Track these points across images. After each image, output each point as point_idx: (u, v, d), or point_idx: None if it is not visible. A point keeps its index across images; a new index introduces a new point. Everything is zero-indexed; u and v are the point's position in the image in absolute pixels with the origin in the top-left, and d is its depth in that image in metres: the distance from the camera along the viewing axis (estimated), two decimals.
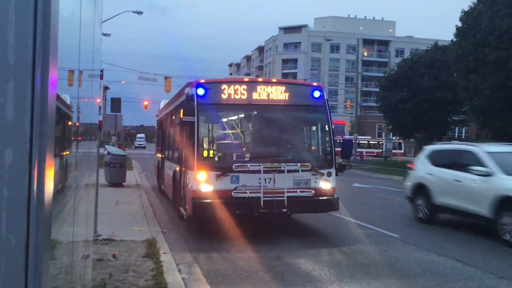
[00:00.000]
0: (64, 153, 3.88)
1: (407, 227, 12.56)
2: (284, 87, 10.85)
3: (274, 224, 11.94)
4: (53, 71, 1.90)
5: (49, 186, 1.90)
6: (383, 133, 62.88)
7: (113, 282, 6.69)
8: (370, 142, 70.12)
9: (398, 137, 53.42)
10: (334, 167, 10.76)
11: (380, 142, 64.38)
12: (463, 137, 59.91)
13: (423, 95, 39.66)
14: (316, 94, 11.01)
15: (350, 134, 62.59)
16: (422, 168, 13.43)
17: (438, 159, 13.05)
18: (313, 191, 10.32)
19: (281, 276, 7.73)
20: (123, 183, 20.00)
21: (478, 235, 11.68)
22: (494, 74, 29.13)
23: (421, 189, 13.14)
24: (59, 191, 3.65)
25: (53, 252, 3.63)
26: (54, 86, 1.95)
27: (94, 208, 8.76)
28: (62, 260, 3.61)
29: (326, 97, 11.23)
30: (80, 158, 4.76)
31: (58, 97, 3.77)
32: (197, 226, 11.20)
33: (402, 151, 65.79)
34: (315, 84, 11.59)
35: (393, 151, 58.35)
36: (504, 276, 8.00)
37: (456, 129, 57.58)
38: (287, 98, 10.79)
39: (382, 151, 59.04)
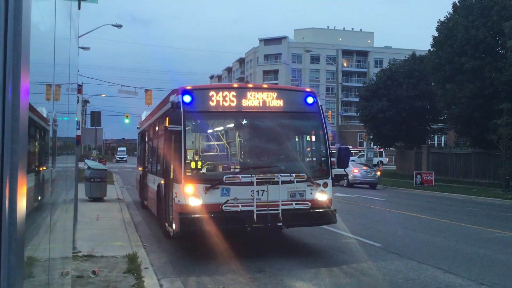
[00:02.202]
0: (41, 169, 3.83)
1: (388, 236, 12.63)
2: (276, 93, 10.33)
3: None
4: (25, 88, 1.88)
5: (22, 204, 1.87)
6: (364, 143, 63.33)
7: None
8: (351, 151, 70.56)
9: (379, 146, 53.88)
10: (330, 177, 10.26)
11: (361, 152, 64.88)
12: (442, 145, 60.68)
13: (402, 105, 40.15)
14: (310, 100, 10.52)
15: (332, 144, 62.86)
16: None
17: None
18: (309, 203, 9.73)
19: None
20: (104, 198, 19.77)
21: (459, 242, 11.80)
22: (471, 83, 29.68)
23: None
24: (36, 208, 3.60)
25: (30, 269, 3.57)
26: (26, 103, 1.93)
27: (72, 224, 8.63)
28: (40, 277, 3.55)
29: (320, 103, 10.78)
30: (58, 173, 4.71)
31: (35, 111, 3.74)
32: (179, 240, 11.05)
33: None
34: (308, 89, 11.04)
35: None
36: (484, 283, 8.07)
37: (435, 137, 58.29)
38: (279, 105, 10.27)
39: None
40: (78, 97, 8.85)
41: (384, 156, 58.15)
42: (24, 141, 1.89)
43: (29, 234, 3.41)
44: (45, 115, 3.87)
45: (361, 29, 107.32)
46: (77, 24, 5.28)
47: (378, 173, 32.09)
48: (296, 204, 9.64)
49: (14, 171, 1.78)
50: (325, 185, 10.08)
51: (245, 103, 10.09)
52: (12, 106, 1.76)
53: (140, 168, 19.51)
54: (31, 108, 3.57)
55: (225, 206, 9.21)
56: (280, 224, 9.50)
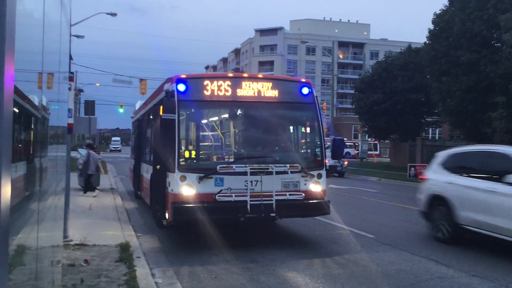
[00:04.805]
0: (31, 157, 3.78)
1: (381, 227, 12.66)
2: (271, 83, 10.27)
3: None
4: (9, 72, 1.83)
5: (6, 190, 1.83)
6: (359, 135, 63.45)
7: None
8: (347, 143, 70.70)
9: (373, 139, 53.97)
10: (324, 168, 10.28)
11: (356, 144, 65.05)
12: (436, 138, 60.85)
13: (397, 97, 40.14)
14: (305, 90, 10.49)
15: (326, 135, 62.92)
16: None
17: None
18: (303, 194, 9.75)
19: (255, 275, 7.70)
20: (97, 187, 19.71)
21: None
22: (466, 76, 29.65)
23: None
24: (26, 197, 3.55)
25: (20, 258, 3.53)
26: (11, 87, 1.88)
27: (64, 213, 8.58)
28: (31, 266, 3.52)
29: (315, 94, 10.75)
30: (49, 162, 4.66)
31: (26, 98, 3.68)
32: (172, 229, 11.03)
33: (377, 152, 66.59)
34: (303, 80, 11.03)
35: (369, 152, 59.18)
36: (476, 274, 8.10)
37: (430, 130, 58.40)
38: (274, 95, 10.23)
39: (358, 152, 59.65)
40: (70, 85, 8.77)
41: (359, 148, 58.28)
42: (8, 126, 1.85)
43: (19, 223, 3.38)
44: (36, 103, 3.81)
45: (357, 21, 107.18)
46: (68, 9, 5.21)
47: (346, 163, 35.25)
48: (290, 194, 9.64)
49: None
50: (319, 176, 10.09)
51: (240, 92, 10.06)
52: None
53: (134, 158, 19.44)
54: (21, 95, 3.51)
55: (218, 196, 9.22)
56: (274, 214, 9.49)
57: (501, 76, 27.20)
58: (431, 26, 33.84)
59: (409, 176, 30.99)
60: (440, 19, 32.80)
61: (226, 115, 11.06)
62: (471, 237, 10.30)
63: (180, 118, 9.58)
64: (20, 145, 3.31)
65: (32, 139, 3.74)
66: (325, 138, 10.79)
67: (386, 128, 42.98)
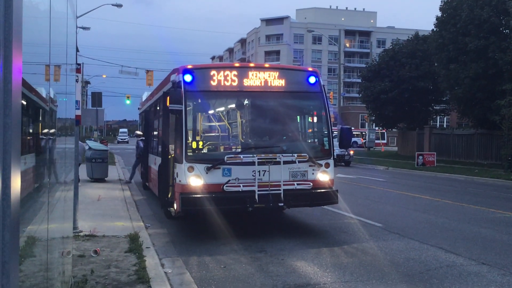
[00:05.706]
0: (40, 149, 3.79)
1: (389, 216, 12.64)
2: (277, 73, 10.24)
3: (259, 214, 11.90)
4: (17, 62, 1.83)
5: (16, 181, 1.84)
6: (366, 124, 63.19)
7: (95, 278, 6.60)
8: (354, 133, 70.50)
9: (381, 128, 53.75)
10: (332, 158, 10.27)
11: (363, 133, 64.84)
12: (444, 126, 60.54)
13: (404, 85, 39.90)
14: (312, 80, 10.45)
15: (333, 125, 62.71)
16: None
17: None
18: (311, 184, 9.75)
19: (265, 266, 7.73)
20: (106, 179, 19.82)
21: (460, 222, 11.81)
22: (475, 63, 29.41)
23: None
24: (36, 189, 3.57)
25: (31, 249, 3.56)
26: (19, 77, 1.88)
27: (73, 204, 8.64)
28: (41, 257, 3.55)
29: (322, 83, 10.70)
30: (58, 154, 4.68)
31: (34, 91, 3.69)
32: (181, 220, 11.08)
33: (385, 141, 66.38)
34: (310, 69, 10.99)
35: (376, 141, 59.00)
36: (485, 262, 8.08)
37: (438, 118, 58.10)
38: (281, 85, 10.21)
39: (365, 141, 59.47)
40: (77, 76, 8.78)
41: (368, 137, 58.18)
42: (18, 115, 1.85)
43: (29, 214, 3.41)
44: (44, 95, 3.82)
45: (364, 9, 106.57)
46: (74, 1, 5.20)
47: (352, 152, 35.05)
48: (297, 184, 9.64)
49: (7, 147, 1.74)
50: (327, 165, 10.07)
51: (246, 82, 10.03)
52: (4, 80, 1.71)
53: None
54: (29, 88, 3.53)
55: (226, 186, 9.22)
56: (282, 204, 9.49)
57: (510, 63, 26.97)
58: (439, 13, 33.56)
59: (417, 165, 30.89)
60: (448, 6, 32.49)
61: (233, 105, 11.04)
62: (479, 225, 10.26)
63: (187, 108, 9.56)
64: (28, 138, 3.32)
65: (40, 131, 3.75)
66: (332, 128, 10.75)
67: (394, 117, 42.78)
